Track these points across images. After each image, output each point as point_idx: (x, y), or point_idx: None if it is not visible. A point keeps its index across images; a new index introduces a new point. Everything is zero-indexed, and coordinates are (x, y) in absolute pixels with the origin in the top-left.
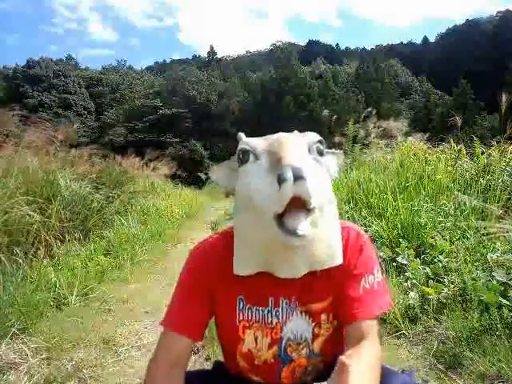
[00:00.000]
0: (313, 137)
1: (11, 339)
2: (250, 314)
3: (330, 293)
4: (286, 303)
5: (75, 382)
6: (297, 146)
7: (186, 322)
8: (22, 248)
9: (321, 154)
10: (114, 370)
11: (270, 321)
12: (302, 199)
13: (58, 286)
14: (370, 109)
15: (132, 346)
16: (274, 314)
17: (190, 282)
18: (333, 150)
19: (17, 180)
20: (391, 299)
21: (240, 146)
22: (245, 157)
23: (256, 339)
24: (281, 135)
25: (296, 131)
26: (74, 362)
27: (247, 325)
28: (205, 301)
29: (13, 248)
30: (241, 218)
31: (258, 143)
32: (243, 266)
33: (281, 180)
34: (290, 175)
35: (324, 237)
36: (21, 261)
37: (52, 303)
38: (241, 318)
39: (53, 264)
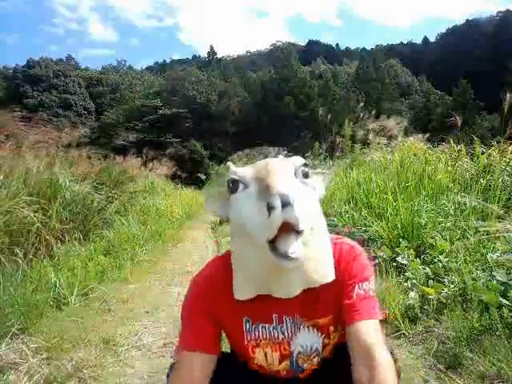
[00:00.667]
0: (298, 161)
1: (11, 339)
2: (256, 332)
3: (334, 306)
4: (290, 319)
5: (75, 382)
6: (284, 172)
7: (201, 340)
8: (23, 248)
9: (306, 176)
10: (113, 370)
11: (276, 336)
12: (291, 224)
13: (57, 285)
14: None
15: (132, 346)
16: (279, 330)
17: (196, 308)
18: (319, 170)
19: (19, 181)
20: (391, 299)
21: (229, 177)
22: (234, 186)
23: (266, 355)
24: (268, 162)
25: (281, 156)
26: (74, 362)
27: (255, 344)
28: (213, 322)
29: (13, 248)
30: (236, 244)
31: (245, 171)
32: (243, 290)
33: (270, 208)
34: (277, 203)
35: (315, 255)
36: (20, 261)
37: (52, 303)
38: (249, 339)
39: (53, 264)
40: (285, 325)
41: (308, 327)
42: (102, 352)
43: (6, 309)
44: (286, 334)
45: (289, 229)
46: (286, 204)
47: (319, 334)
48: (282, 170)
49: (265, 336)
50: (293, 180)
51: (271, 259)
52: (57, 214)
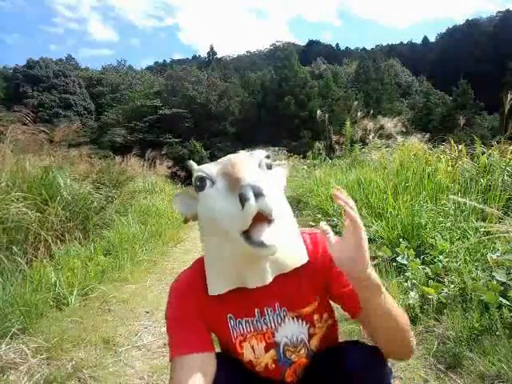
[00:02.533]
0: (261, 153)
1: (11, 339)
2: (241, 327)
3: (316, 294)
4: (271, 311)
5: (75, 382)
6: (249, 165)
7: (196, 340)
8: (21, 248)
9: (269, 167)
10: (113, 369)
11: (260, 328)
12: (264, 213)
13: (57, 285)
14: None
15: (132, 346)
16: (262, 322)
17: (180, 314)
18: (279, 162)
19: (9, 177)
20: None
21: (195, 174)
22: (202, 183)
23: (253, 348)
24: (231, 157)
25: (242, 151)
26: (74, 362)
27: (242, 338)
28: (202, 321)
29: (11, 247)
30: (209, 240)
31: (211, 168)
32: (216, 285)
33: (243, 199)
34: (250, 194)
35: (284, 241)
36: (19, 259)
37: (52, 303)
38: (235, 335)
39: (53, 264)
40: (267, 317)
41: (292, 318)
42: (102, 352)
43: (5, 309)
44: (269, 325)
45: (261, 218)
46: (258, 194)
47: (304, 324)
48: (246, 162)
49: (249, 329)
50: (258, 171)
51: (247, 249)
52: (56, 213)
